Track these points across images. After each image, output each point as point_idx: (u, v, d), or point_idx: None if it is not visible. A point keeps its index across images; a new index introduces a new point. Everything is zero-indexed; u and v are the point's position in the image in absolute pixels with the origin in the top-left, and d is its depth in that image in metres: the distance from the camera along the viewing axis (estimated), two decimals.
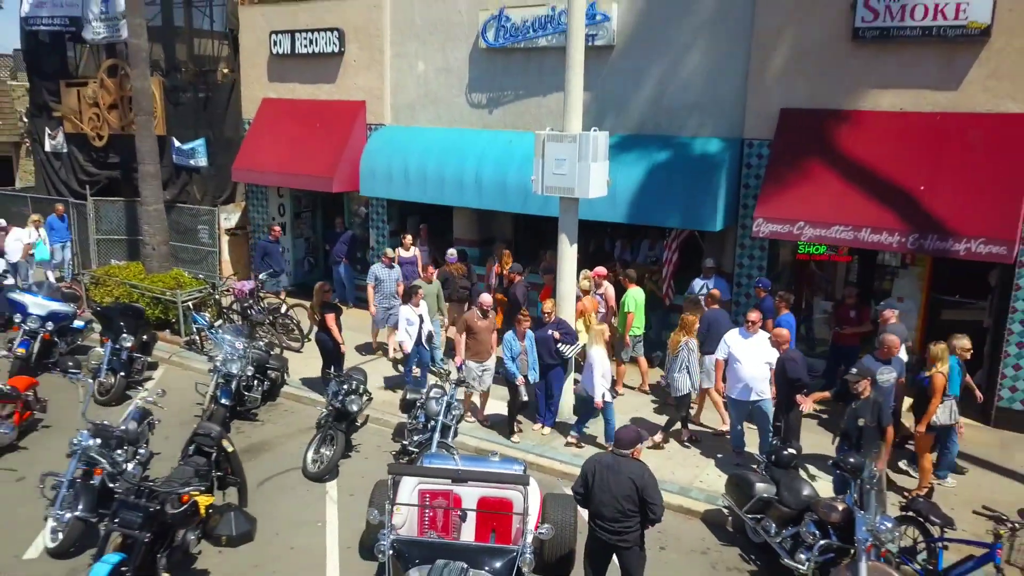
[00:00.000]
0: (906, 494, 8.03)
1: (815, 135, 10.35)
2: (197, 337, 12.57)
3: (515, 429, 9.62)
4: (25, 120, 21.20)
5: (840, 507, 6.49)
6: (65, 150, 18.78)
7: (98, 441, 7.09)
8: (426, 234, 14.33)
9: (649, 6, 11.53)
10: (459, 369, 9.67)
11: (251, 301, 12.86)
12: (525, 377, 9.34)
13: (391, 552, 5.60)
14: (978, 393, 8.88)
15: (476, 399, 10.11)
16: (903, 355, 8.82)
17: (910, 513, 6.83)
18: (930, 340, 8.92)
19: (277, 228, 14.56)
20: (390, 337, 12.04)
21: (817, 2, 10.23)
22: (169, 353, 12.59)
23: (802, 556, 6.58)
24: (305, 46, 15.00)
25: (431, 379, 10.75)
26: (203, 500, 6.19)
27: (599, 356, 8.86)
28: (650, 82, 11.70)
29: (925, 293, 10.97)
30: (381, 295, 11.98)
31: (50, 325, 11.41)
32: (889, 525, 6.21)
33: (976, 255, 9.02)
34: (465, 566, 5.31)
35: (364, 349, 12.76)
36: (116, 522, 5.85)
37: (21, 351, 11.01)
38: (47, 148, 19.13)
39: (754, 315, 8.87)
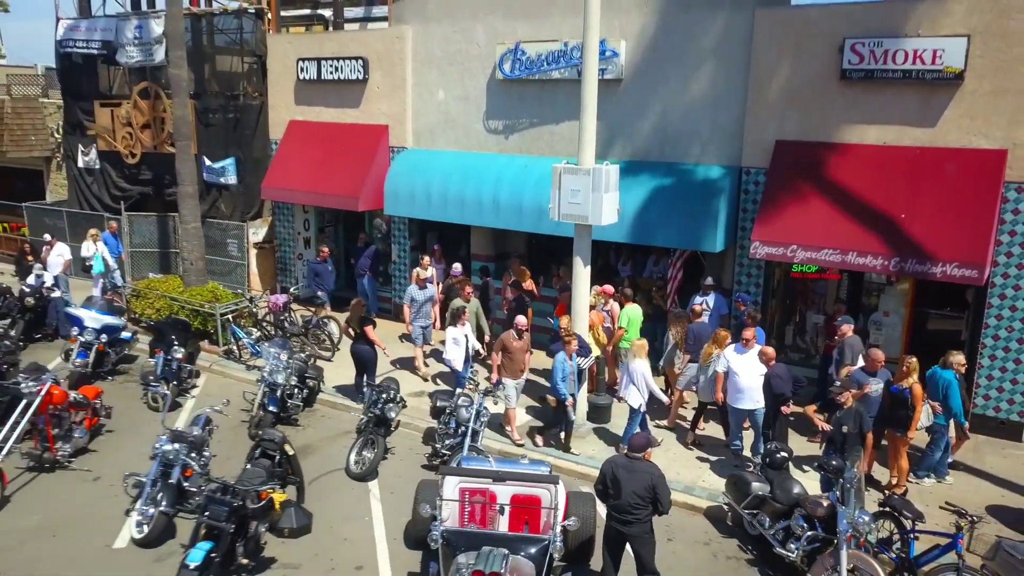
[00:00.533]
0: (885, 491, 9.04)
1: (807, 165, 11.35)
2: (235, 347, 13.60)
3: (569, 446, 10.39)
4: (56, 136, 22.18)
5: (825, 503, 7.48)
6: (98, 166, 19.77)
7: (176, 445, 8.08)
8: (439, 253, 15.30)
9: (654, 43, 12.53)
10: (496, 385, 10.50)
11: (285, 314, 13.88)
12: (573, 396, 10.15)
13: (442, 541, 6.59)
14: (970, 406, 9.86)
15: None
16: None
17: (887, 508, 7.84)
18: (914, 351, 9.99)
19: (325, 249, 15.38)
20: (416, 350, 13.06)
21: (809, 45, 11.24)
22: (209, 362, 13.57)
23: (792, 546, 7.60)
24: (331, 73, 15.99)
25: (422, 362, 11.71)
26: (277, 497, 7.19)
27: (642, 367, 9.77)
28: (655, 113, 12.71)
29: (909, 308, 11.96)
30: (416, 314, 12.87)
31: (104, 337, 12.41)
32: (867, 519, 7.22)
33: (951, 277, 10.03)
34: (507, 552, 6.31)
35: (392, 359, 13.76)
36: (206, 515, 6.86)
37: (80, 362, 12.01)
38: (80, 164, 20.13)
39: (748, 333, 9.87)
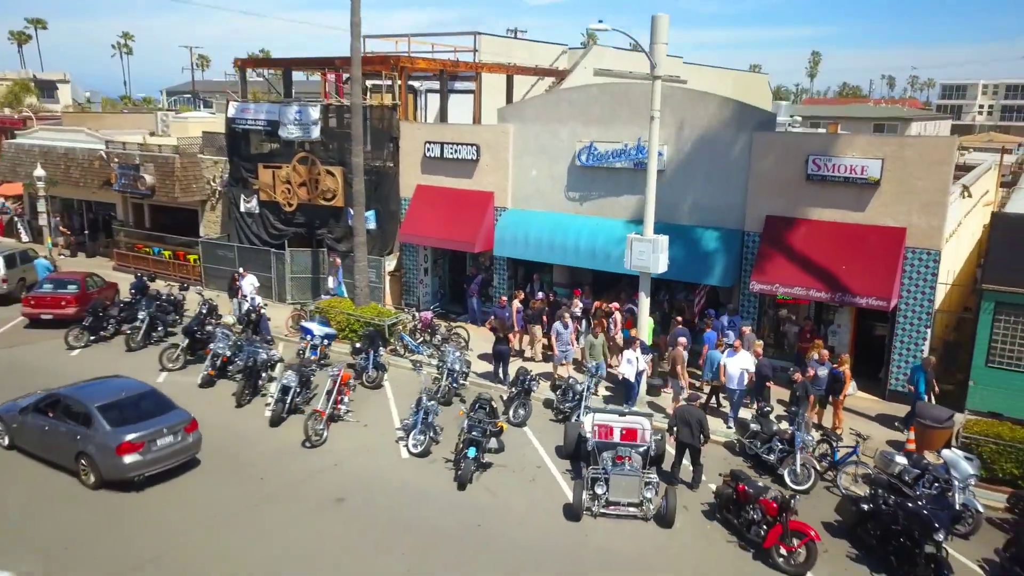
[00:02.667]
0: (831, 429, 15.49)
1: (786, 232, 17.82)
2: (401, 348, 20.08)
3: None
4: (212, 184, 28.63)
5: (789, 431, 13.93)
6: (257, 211, 26.23)
7: (432, 403, 14.56)
8: (537, 279, 21.71)
9: (686, 148, 19.01)
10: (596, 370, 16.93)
11: (432, 325, 20.36)
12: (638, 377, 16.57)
13: (593, 448, 13.02)
14: (935, 391, 16.04)
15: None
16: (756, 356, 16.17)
17: (823, 436, 14.33)
18: (860, 349, 16.46)
19: (519, 294, 21.01)
20: (557, 366, 19.52)
21: (786, 156, 17.73)
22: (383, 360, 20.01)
23: (772, 456, 14.05)
24: (451, 153, 22.48)
25: (562, 371, 18.05)
26: (503, 426, 13.66)
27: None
28: (687, 193, 19.18)
29: (853, 322, 18.42)
30: (561, 343, 18.57)
31: (326, 341, 18.88)
32: (811, 439, 13.72)
33: (871, 305, 16.51)
34: (629, 450, 12.76)
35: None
36: (472, 434, 13.32)
37: (313, 358, 18.44)
38: (242, 209, 26.58)
39: (736, 343, 16.26)
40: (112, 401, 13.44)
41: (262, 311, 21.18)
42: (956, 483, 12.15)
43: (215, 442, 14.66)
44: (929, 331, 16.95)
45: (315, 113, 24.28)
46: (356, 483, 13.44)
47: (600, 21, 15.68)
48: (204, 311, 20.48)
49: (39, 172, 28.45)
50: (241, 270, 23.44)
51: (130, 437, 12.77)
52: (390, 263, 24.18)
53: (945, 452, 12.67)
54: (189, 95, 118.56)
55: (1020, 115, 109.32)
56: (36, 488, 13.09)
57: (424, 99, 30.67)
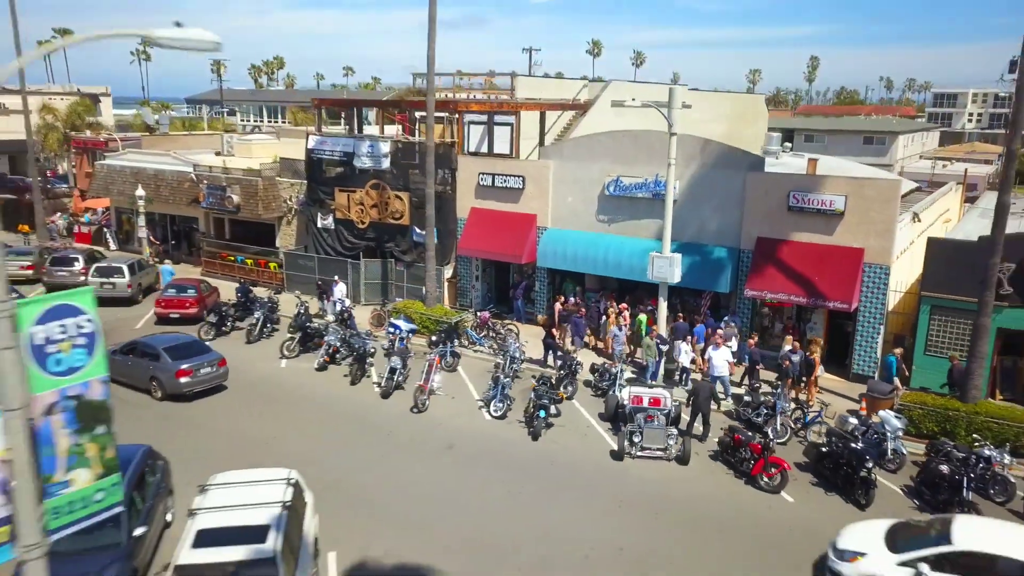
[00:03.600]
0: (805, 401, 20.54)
1: (773, 250, 22.84)
2: (466, 341, 25.08)
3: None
4: (288, 203, 33.64)
5: (772, 401, 18.96)
6: (333, 227, 31.25)
7: (506, 379, 19.59)
8: (581, 295, 26.71)
9: (694, 182, 24.02)
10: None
11: (490, 324, 25.39)
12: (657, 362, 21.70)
13: (629, 411, 18.04)
14: (906, 374, 21.08)
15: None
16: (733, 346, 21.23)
17: (797, 404, 19.39)
18: (832, 341, 21.48)
19: (559, 299, 26.48)
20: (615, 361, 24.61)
21: (772, 191, 22.75)
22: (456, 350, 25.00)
23: (759, 419, 19.08)
24: (501, 183, 27.49)
25: (586, 358, 23.07)
26: (563, 396, 18.70)
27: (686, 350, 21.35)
28: (695, 217, 24.18)
29: (826, 319, 23.44)
30: (617, 342, 23.39)
31: (410, 335, 23.91)
32: (788, 406, 18.79)
33: (837, 308, 21.56)
34: (656, 412, 17.79)
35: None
36: (541, 401, 18.35)
37: (400, 348, 23.42)
38: (319, 225, 31.60)
39: (719, 340, 21.24)
40: (171, 345, 20.86)
41: (351, 311, 26.21)
42: (888, 434, 17.19)
43: (342, 410, 19.74)
44: (882, 328, 21.99)
45: (385, 147, 29.32)
46: (457, 436, 18.48)
47: (633, 99, 20.67)
48: (303, 311, 25.47)
49: (140, 192, 33.57)
50: (336, 277, 28.41)
51: (184, 366, 20.12)
52: (448, 271, 29.19)
53: (882, 412, 17.72)
54: (208, 103, 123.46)
55: (1007, 122, 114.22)
56: (124, 398, 18.16)
57: (468, 129, 35.67)
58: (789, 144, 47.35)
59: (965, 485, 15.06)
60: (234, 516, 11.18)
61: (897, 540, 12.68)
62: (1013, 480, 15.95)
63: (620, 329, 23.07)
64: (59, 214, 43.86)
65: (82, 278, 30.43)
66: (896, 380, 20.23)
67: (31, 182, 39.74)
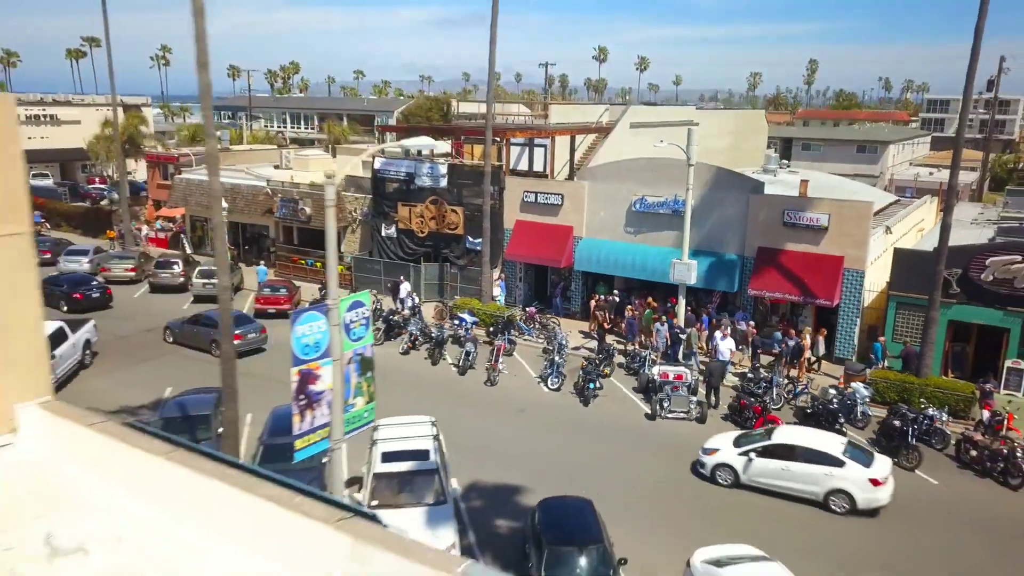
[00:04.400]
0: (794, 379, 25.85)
1: (771, 257, 28.15)
2: (516, 331, 30.40)
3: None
4: (353, 214, 38.92)
5: (769, 376, 24.27)
6: (395, 236, 36.55)
7: (559, 358, 24.91)
8: (618, 292, 32.06)
9: (707, 201, 29.30)
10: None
11: (536, 318, 30.72)
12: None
13: (659, 384, 23.34)
14: (887, 353, 26.45)
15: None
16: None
17: (789, 380, 24.72)
18: (818, 330, 26.82)
19: (594, 296, 32.15)
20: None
21: (771, 209, 28.05)
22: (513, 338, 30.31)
23: (759, 390, 24.40)
24: (542, 199, 32.78)
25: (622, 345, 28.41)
26: (608, 372, 23.98)
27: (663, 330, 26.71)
28: (705, 229, 29.48)
29: (814, 313, 28.74)
30: (660, 336, 29.22)
31: (473, 326, 29.21)
32: (783, 381, 24.15)
33: (822, 304, 26.90)
34: (680, 384, 23.09)
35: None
36: (590, 377, 23.65)
37: (469, 337, 28.71)
38: (383, 234, 36.89)
39: (725, 332, 26.57)
40: None
41: (420, 307, 31.54)
42: (859, 401, 22.50)
43: (429, 383, 25.06)
44: (859, 320, 27.31)
45: (443, 169, 34.64)
46: (525, 403, 23.81)
47: (661, 141, 25.93)
48: (380, 306, 30.76)
49: (225, 205, 38.80)
50: (402, 278, 33.73)
51: (237, 331, 24.29)
52: (495, 274, 34.50)
53: (854, 384, 23.05)
54: (232, 109, 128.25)
55: (996, 128, 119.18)
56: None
57: (507, 149, 40.99)
58: (787, 162, 52.69)
59: (910, 435, 20.36)
60: (404, 443, 16.50)
61: (739, 440, 19.40)
62: (948, 432, 21.28)
63: (662, 325, 28.33)
64: (135, 221, 49.16)
65: (181, 279, 35.82)
66: (885, 361, 25.52)
67: (99, 191, 45.12)
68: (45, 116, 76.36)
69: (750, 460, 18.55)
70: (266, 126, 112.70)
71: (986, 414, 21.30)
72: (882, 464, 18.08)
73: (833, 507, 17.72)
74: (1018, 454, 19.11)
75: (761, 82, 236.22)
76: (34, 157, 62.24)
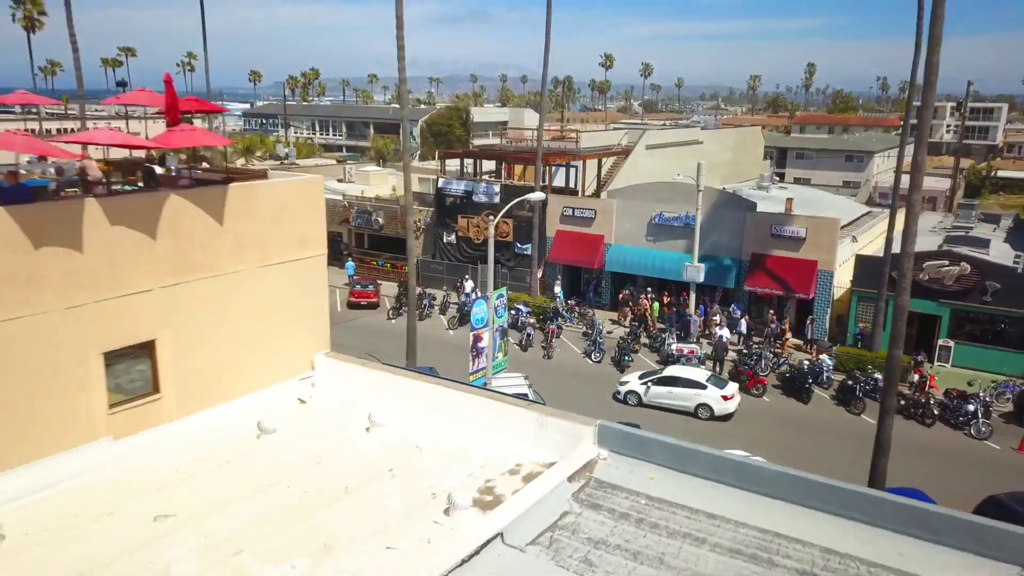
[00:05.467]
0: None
1: (762, 260, 36.14)
2: (562, 321, 38.42)
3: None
4: (418, 223, 46.83)
5: (759, 352, 32.27)
6: (455, 242, 44.52)
7: (602, 340, 32.92)
8: (638, 288, 40.09)
9: (712, 216, 37.26)
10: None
11: (577, 308, 38.73)
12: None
13: (676, 356, 31.32)
14: (863, 335, 34.53)
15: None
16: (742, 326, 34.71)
17: (774, 354, 32.76)
18: (799, 318, 34.83)
19: (623, 292, 40.23)
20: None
21: (761, 225, 36.05)
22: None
23: (752, 360, 32.42)
24: (579, 213, 40.76)
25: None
26: (638, 349, 31.97)
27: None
28: (711, 237, 37.46)
29: (796, 305, 36.72)
30: (694, 325, 37.38)
31: (528, 314, 37.20)
32: (769, 356, 32.18)
33: (801, 297, 34.92)
34: (691, 356, 31.09)
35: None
36: (624, 351, 31.63)
37: (527, 322, 36.68)
38: (444, 240, 44.84)
39: (720, 321, 34.57)
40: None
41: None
42: (824, 368, 30.51)
43: None
44: (829, 310, 35.29)
45: (496, 188, 42.63)
46: (576, 370, 31.83)
47: (679, 175, 33.82)
48: (449, 299, 38.76)
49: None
50: (467, 276, 41.72)
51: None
52: (539, 273, 42.51)
53: (821, 356, 31.07)
54: (264, 116, 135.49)
55: (979, 134, 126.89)
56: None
57: (550, 171, 48.92)
58: (779, 177, 60.71)
59: (859, 391, 28.35)
60: (511, 389, 24.48)
61: (642, 376, 28.55)
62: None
63: (694, 314, 36.28)
64: None
65: None
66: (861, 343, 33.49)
67: None
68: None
69: (648, 387, 28.02)
70: (296, 133, 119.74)
71: (916, 377, 29.29)
72: (732, 387, 28.05)
73: (700, 415, 27.51)
74: (932, 403, 27.16)
75: (760, 84, 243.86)
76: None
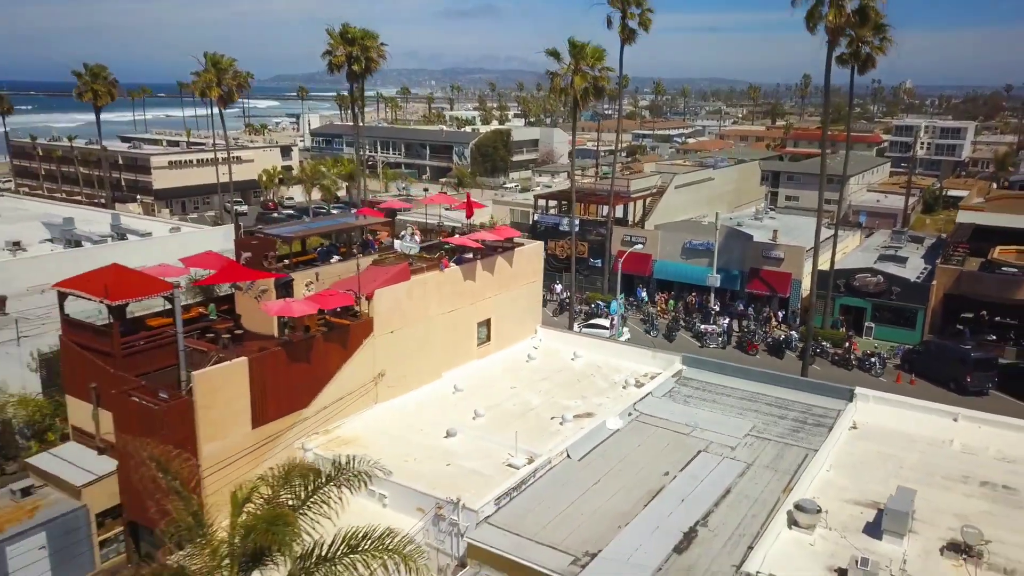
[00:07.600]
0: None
1: (757, 273, 56.25)
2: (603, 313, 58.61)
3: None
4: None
5: (755, 330, 52.37)
6: (546, 257, 64.54)
7: (656, 323, 53.08)
8: (676, 291, 60.19)
9: (724, 245, 57.33)
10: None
11: (633, 302, 58.92)
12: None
13: (703, 331, 51.43)
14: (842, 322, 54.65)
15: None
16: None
17: (764, 333, 52.97)
18: (779, 309, 55.07)
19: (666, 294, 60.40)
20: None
21: (755, 250, 56.18)
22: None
23: (751, 336, 52.57)
24: (634, 240, 60.87)
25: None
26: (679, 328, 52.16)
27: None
28: (724, 257, 57.52)
29: (778, 302, 56.80)
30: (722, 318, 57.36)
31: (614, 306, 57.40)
32: (762, 333, 52.38)
33: (781, 296, 55.15)
34: (713, 333, 51.26)
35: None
36: (674, 327, 51.76)
37: (614, 316, 56.79)
38: None
39: (716, 307, 54.70)
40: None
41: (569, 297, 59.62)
42: (793, 339, 50.64)
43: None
44: (799, 304, 55.39)
45: (577, 221, 62.74)
46: (645, 343, 51.98)
47: (705, 217, 53.74)
48: (545, 297, 58.82)
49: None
50: (557, 281, 61.79)
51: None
52: (604, 274, 62.63)
53: (791, 332, 51.26)
54: (331, 136, 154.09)
55: (948, 151, 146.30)
56: None
57: (612, 210, 68.90)
58: (772, 208, 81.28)
59: (814, 352, 48.51)
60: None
61: (585, 324, 49.13)
62: (830, 351, 49.43)
63: (717, 314, 56.38)
64: None
65: None
66: (844, 328, 53.61)
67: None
68: (234, 158, 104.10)
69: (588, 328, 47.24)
70: (368, 153, 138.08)
71: (848, 344, 49.43)
72: (626, 332, 47.88)
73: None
74: (851, 358, 47.45)
75: (759, 95, 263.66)
76: (223, 189, 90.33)
